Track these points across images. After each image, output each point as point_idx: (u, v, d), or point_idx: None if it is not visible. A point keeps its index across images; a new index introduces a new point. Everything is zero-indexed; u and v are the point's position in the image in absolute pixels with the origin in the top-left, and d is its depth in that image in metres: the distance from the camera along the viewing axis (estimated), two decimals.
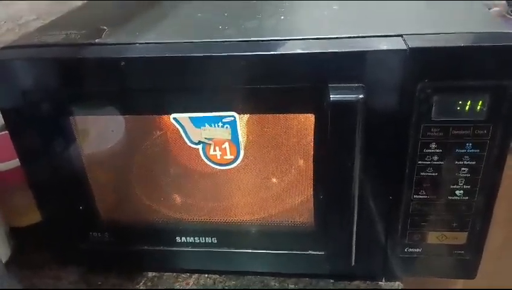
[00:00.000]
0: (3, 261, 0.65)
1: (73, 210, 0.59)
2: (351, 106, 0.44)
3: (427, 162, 0.49)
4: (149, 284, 0.63)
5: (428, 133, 0.47)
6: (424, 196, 0.51)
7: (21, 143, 0.55)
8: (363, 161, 0.48)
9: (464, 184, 0.49)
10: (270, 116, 0.50)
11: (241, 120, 0.49)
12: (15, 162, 0.62)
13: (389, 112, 0.46)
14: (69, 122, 0.52)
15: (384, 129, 0.47)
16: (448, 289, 0.91)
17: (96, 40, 0.50)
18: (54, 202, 0.59)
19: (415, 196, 0.51)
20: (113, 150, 0.58)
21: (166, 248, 0.60)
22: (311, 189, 0.54)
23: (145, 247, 0.60)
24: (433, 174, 0.49)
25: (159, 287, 0.62)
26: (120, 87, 0.48)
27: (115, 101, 0.50)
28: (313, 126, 0.48)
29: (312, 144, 0.50)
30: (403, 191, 0.51)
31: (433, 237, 0.54)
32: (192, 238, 0.59)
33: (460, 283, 0.85)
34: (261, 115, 0.50)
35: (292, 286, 0.62)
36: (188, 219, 0.59)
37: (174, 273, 0.64)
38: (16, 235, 0.70)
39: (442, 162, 0.48)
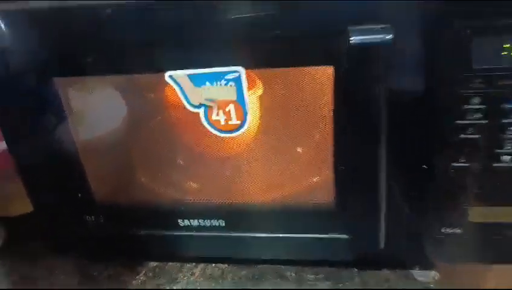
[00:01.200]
0: None
1: (65, 193, 0.54)
2: (375, 51, 0.37)
3: (467, 122, 0.41)
4: (150, 274, 0.57)
5: (468, 85, 0.39)
6: (464, 164, 0.43)
7: (4, 118, 0.49)
8: (390, 122, 0.41)
9: (511, 147, 0.42)
10: (281, 70, 0.43)
11: (248, 77, 0.42)
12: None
13: (420, 59, 0.39)
14: (53, 87, 0.47)
15: (415, 81, 0.40)
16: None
17: None
18: (43, 185, 0.54)
19: (453, 164, 0.43)
20: (106, 125, 0.52)
21: (167, 233, 0.54)
22: (331, 159, 0.46)
23: (144, 231, 0.54)
24: (475, 136, 0.42)
25: (161, 278, 0.56)
26: (107, 41, 0.42)
27: (103, 58, 0.44)
28: (332, 81, 0.41)
29: (331, 103, 0.43)
30: (439, 159, 0.43)
31: (475, 214, 0.46)
32: (196, 220, 0.52)
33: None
34: (271, 69, 0.43)
35: (311, 276, 0.54)
36: (190, 198, 0.52)
37: (178, 263, 0.57)
38: (7, 225, 0.64)
39: (485, 121, 0.41)
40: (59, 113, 0.49)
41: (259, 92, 0.45)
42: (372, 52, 0.37)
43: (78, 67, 0.45)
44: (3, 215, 0.65)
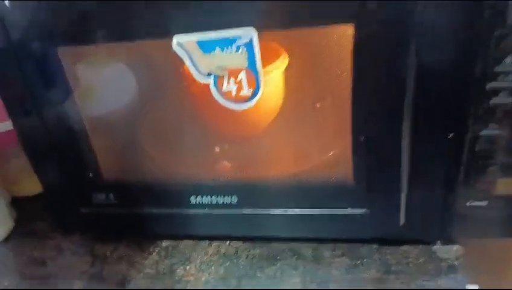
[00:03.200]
0: (5, 234, 0.59)
1: (73, 171, 0.52)
2: (403, 7, 0.34)
3: (500, 84, 0.38)
4: (163, 254, 0.55)
5: (502, 43, 0.36)
6: (495, 131, 0.40)
7: (7, 93, 0.47)
8: (415, 87, 0.38)
9: None
10: (295, 32, 0.40)
11: (260, 40, 0.39)
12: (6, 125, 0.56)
13: (449, 14, 0.36)
14: (57, 58, 0.44)
15: (443, 39, 0.37)
16: None
17: None
18: (50, 163, 0.52)
19: (483, 132, 0.40)
20: (114, 99, 0.50)
21: (179, 211, 0.52)
22: (350, 131, 0.44)
23: (155, 210, 0.52)
24: (508, 100, 0.38)
25: (174, 258, 0.54)
26: (111, 5, 0.40)
27: (108, 24, 0.41)
28: (351, 42, 0.38)
29: (351, 68, 0.40)
30: (468, 126, 0.40)
31: (503, 186, 0.43)
32: (209, 197, 0.50)
33: None
34: (284, 31, 0.40)
35: (328, 253, 0.52)
36: (202, 174, 0.50)
37: (191, 242, 0.56)
38: (16, 205, 0.63)
39: None
40: (65, 87, 0.47)
41: (283, 66, 0.42)
42: (396, 9, 0.34)
43: (83, 34, 0.42)
44: (15, 195, 0.64)
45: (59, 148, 0.50)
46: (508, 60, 0.37)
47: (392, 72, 0.37)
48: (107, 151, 0.51)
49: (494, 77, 0.37)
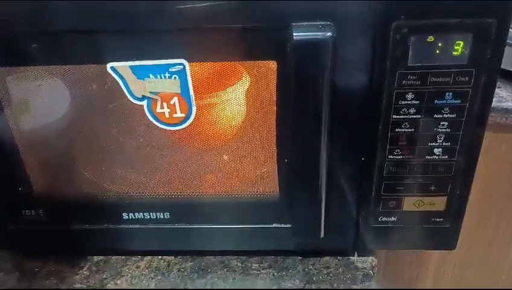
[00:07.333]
0: None
1: (1, 186, 0.51)
2: (317, 46, 0.38)
3: (402, 116, 0.43)
4: (94, 269, 0.56)
5: (404, 82, 0.41)
6: (399, 156, 0.45)
7: None
8: (331, 116, 0.42)
9: (443, 141, 0.44)
10: (226, 64, 0.43)
11: (192, 70, 0.42)
12: None
13: (360, 56, 0.41)
14: None
15: (354, 77, 0.41)
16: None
17: None
18: None
19: (389, 157, 0.45)
20: (48, 116, 0.50)
21: (111, 226, 0.53)
22: (275, 153, 0.47)
23: (87, 226, 0.53)
24: (410, 130, 0.44)
25: (105, 272, 0.55)
26: (45, 29, 0.41)
27: (43, 48, 0.42)
28: (275, 76, 0.42)
29: (274, 97, 0.44)
30: (376, 151, 0.45)
31: (409, 204, 0.49)
32: (141, 214, 0.52)
33: (435, 255, 0.81)
34: (215, 63, 0.43)
35: (256, 265, 0.56)
36: (135, 191, 0.52)
37: (123, 257, 0.57)
38: None
39: (419, 116, 0.43)
40: None
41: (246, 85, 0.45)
42: (314, 46, 0.38)
43: (18, 56, 0.43)
44: None
45: None
46: (408, 95, 0.42)
47: (310, 104, 0.41)
48: (39, 168, 0.51)
49: (398, 110, 0.43)
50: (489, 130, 0.54)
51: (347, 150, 0.46)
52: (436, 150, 0.45)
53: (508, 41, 0.40)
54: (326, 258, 0.56)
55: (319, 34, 0.37)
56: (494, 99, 0.43)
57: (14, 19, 0.41)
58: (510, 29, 0.44)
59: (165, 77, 0.42)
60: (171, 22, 0.40)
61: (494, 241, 0.82)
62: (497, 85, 0.43)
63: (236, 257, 0.56)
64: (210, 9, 0.39)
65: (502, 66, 0.43)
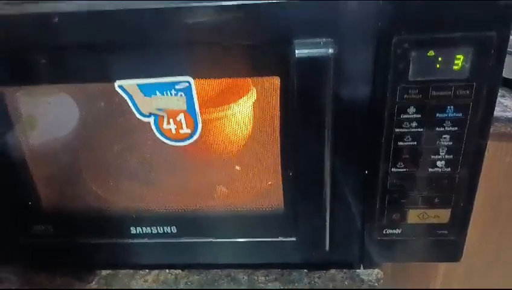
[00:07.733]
0: None
1: (12, 201, 0.52)
2: (320, 63, 0.39)
3: (405, 130, 0.44)
4: (102, 282, 0.56)
5: (405, 96, 0.42)
6: (402, 169, 0.46)
7: None
8: (334, 130, 0.43)
9: (445, 154, 0.45)
10: (230, 80, 0.44)
11: (198, 87, 0.43)
12: None
13: (361, 71, 0.41)
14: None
15: (356, 91, 0.42)
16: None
17: None
18: None
19: (392, 169, 0.46)
20: (57, 132, 0.51)
21: (119, 241, 0.53)
22: (279, 167, 0.48)
23: (95, 240, 0.53)
24: (412, 143, 0.44)
25: (114, 287, 0.56)
26: (54, 50, 0.42)
27: (51, 68, 0.43)
28: (278, 91, 0.43)
29: (278, 112, 0.44)
30: (380, 165, 0.46)
31: (413, 216, 0.49)
32: (148, 228, 0.53)
33: (442, 267, 0.81)
34: (220, 79, 0.44)
35: (262, 278, 0.56)
36: (143, 206, 0.52)
37: (131, 270, 0.57)
38: None
39: (421, 129, 0.44)
40: (5, 117, 0.48)
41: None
42: (316, 62, 0.39)
43: (26, 76, 0.44)
44: None
45: None
46: (410, 109, 0.43)
47: (313, 118, 0.42)
48: (48, 183, 0.52)
49: (400, 123, 0.43)
50: (494, 139, 0.55)
51: (351, 163, 0.46)
52: (439, 163, 0.45)
53: (508, 49, 0.41)
54: (332, 271, 0.56)
55: (321, 51, 0.38)
56: (497, 108, 0.44)
57: (24, 36, 0.42)
58: (511, 37, 0.44)
59: (171, 94, 0.43)
60: (177, 37, 0.41)
61: (500, 252, 0.81)
62: (501, 94, 0.43)
63: (242, 270, 0.57)
64: (215, 24, 0.40)
65: (506, 76, 0.43)
